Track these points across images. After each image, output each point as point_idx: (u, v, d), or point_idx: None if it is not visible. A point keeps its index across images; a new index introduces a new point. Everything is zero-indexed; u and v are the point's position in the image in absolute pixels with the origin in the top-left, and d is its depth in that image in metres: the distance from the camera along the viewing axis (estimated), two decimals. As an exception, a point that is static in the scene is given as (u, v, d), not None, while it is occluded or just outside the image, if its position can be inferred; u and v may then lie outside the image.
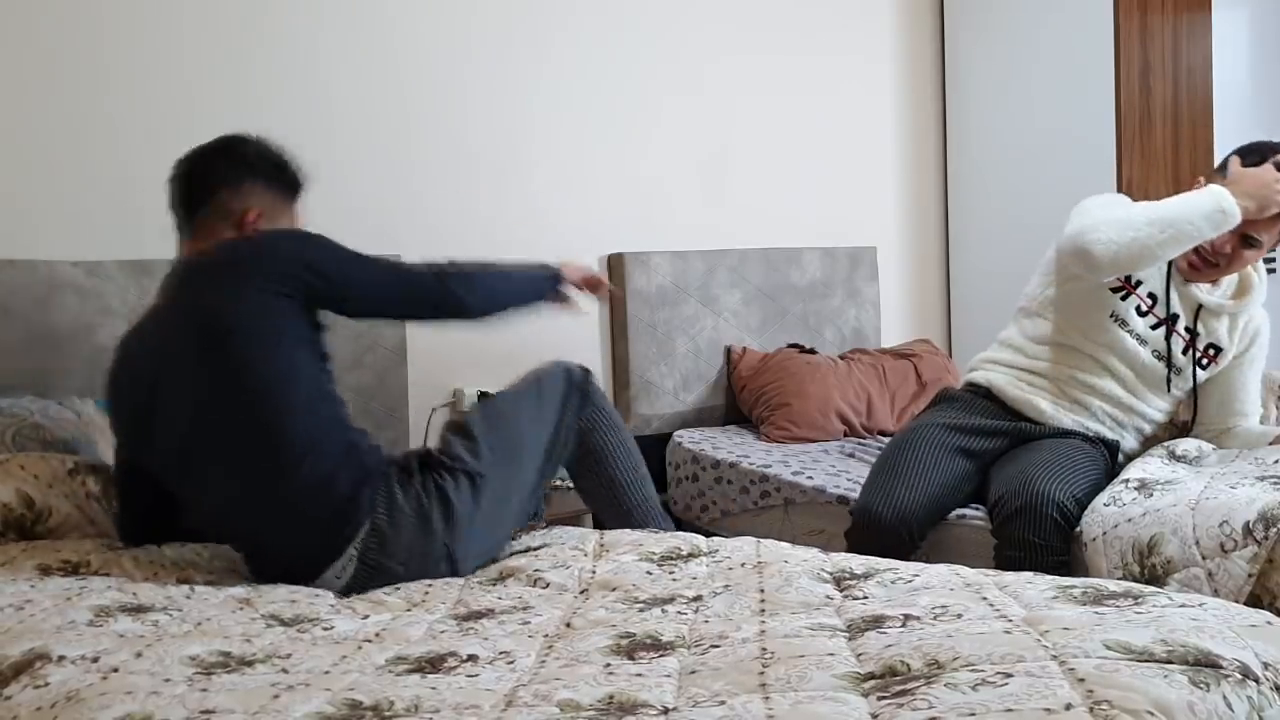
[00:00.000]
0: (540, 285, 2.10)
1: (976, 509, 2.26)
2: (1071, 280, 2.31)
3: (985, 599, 1.44)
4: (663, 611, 1.53)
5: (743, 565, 1.73)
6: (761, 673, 1.21)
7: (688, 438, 3.19)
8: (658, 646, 1.37)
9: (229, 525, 1.85)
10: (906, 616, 1.38)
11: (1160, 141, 3.67)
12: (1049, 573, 1.67)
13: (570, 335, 3.14)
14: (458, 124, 3.10)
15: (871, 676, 1.19)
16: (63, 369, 2.46)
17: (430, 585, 1.72)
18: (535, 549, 1.90)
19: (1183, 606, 1.34)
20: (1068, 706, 1.02)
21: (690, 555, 1.82)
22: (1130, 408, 2.32)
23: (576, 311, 2.24)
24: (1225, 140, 3.69)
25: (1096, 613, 1.33)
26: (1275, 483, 1.92)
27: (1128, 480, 2.08)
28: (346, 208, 2.73)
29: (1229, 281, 2.35)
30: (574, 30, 3.30)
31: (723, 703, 1.13)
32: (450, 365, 3.05)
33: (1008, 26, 3.89)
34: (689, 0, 3.51)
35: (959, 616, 1.36)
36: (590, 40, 3.32)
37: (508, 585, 1.72)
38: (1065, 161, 3.70)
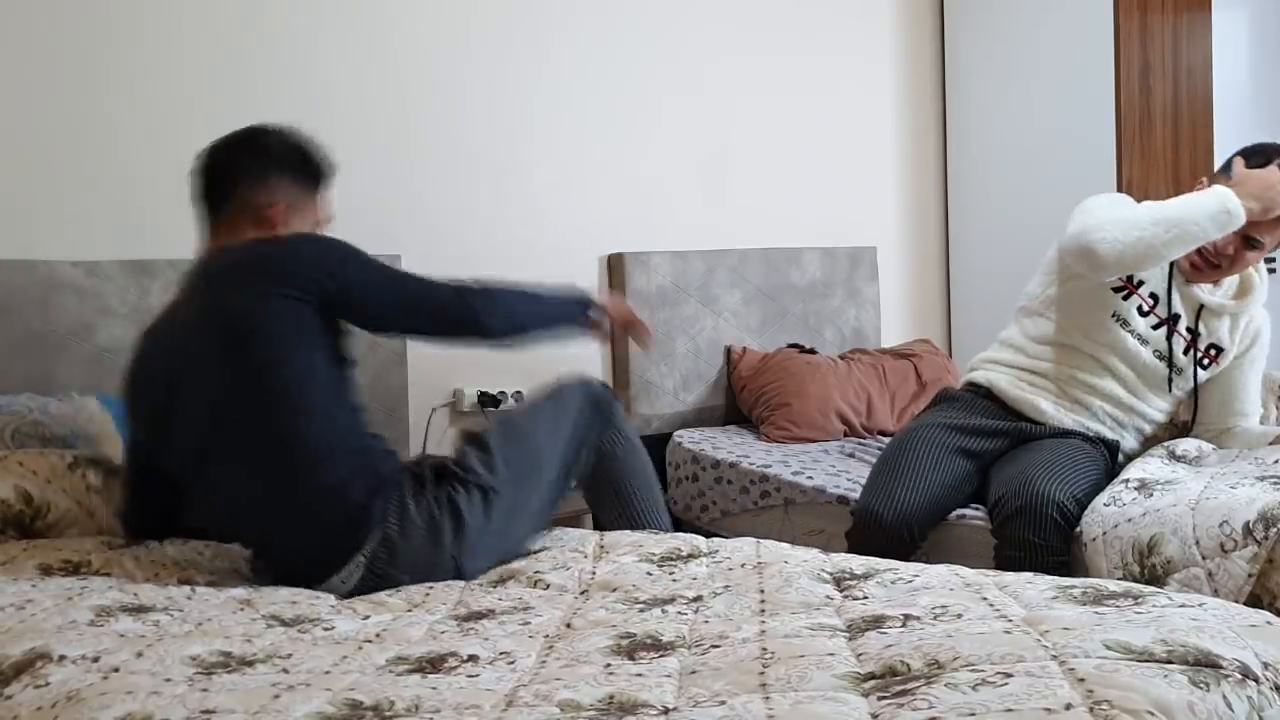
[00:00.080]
0: (571, 311, 2.05)
1: (976, 509, 2.26)
2: (1073, 280, 2.31)
3: (985, 599, 1.44)
4: (663, 612, 1.53)
5: (743, 566, 1.73)
6: (762, 673, 1.21)
7: (688, 438, 3.20)
8: (658, 647, 1.37)
9: (240, 524, 1.85)
10: (906, 616, 1.38)
11: (1160, 141, 3.67)
12: (1049, 573, 1.67)
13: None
14: (458, 124, 3.10)
15: (872, 676, 1.19)
16: (62, 369, 2.46)
17: (431, 587, 1.72)
18: (535, 551, 1.90)
19: (1183, 606, 1.34)
20: (1068, 706, 1.02)
21: (690, 556, 1.82)
22: (1131, 408, 2.32)
23: (605, 342, 2.17)
24: (1225, 140, 3.69)
25: (1096, 613, 1.33)
26: (1275, 483, 1.92)
27: (1128, 480, 2.08)
28: (346, 208, 2.71)
29: (1230, 282, 2.35)
30: (574, 30, 3.30)
31: (723, 703, 1.13)
32: (450, 365, 3.04)
33: (1008, 26, 3.89)
34: (689, 0, 3.51)
35: (959, 616, 1.36)
36: (590, 40, 3.33)
37: (508, 586, 1.72)
38: (1065, 161, 3.70)
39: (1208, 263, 2.25)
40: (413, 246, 2.89)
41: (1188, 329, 2.31)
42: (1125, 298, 2.29)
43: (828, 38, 3.84)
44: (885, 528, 2.16)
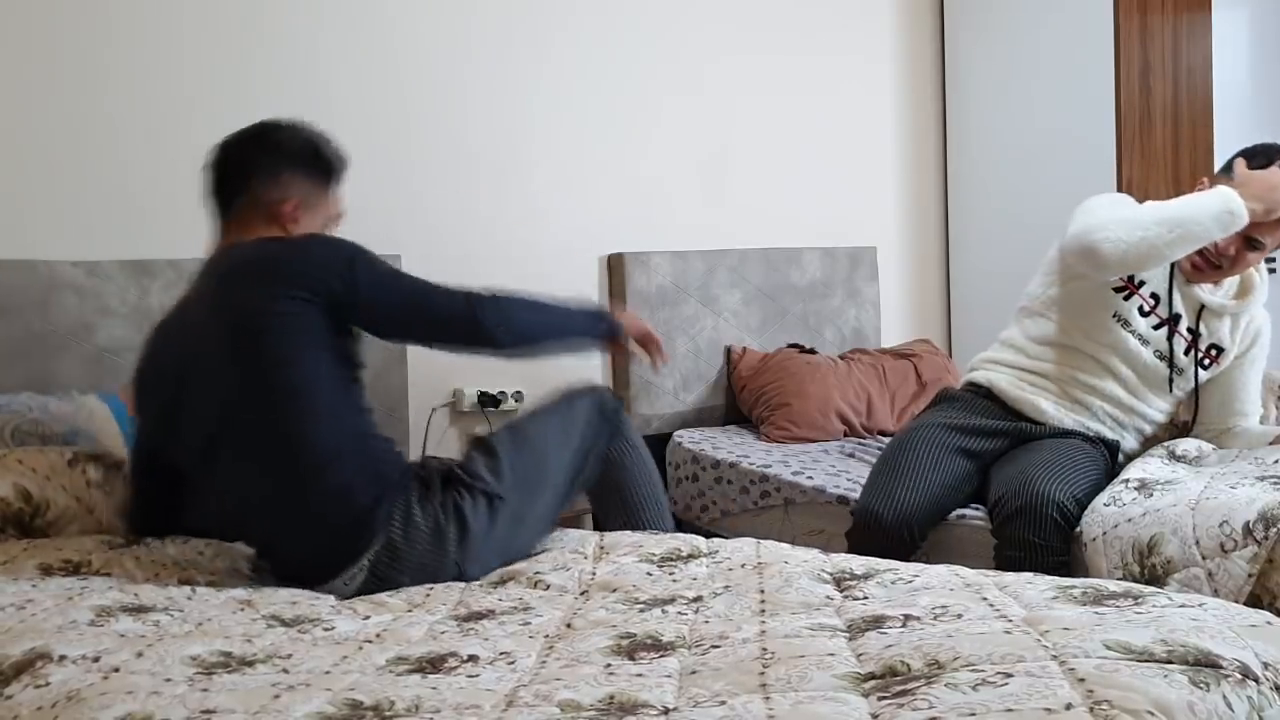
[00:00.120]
0: (588, 327, 2.03)
1: (976, 509, 2.26)
2: (1075, 280, 2.31)
3: (985, 599, 1.44)
4: (663, 612, 1.53)
5: (743, 566, 1.73)
6: (762, 673, 1.21)
7: (688, 438, 3.20)
8: (658, 647, 1.37)
9: (245, 523, 1.85)
10: (907, 617, 1.38)
11: (1160, 141, 3.67)
12: (1049, 573, 1.67)
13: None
14: (458, 124, 3.10)
15: (872, 676, 1.19)
16: (62, 369, 2.46)
17: (432, 587, 1.72)
18: (536, 552, 1.90)
19: (1183, 606, 1.34)
20: (1068, 706, 1.02)
21: (690, 556, 1.82)
22: (1131, 408, 2.32)
23: (631, 359, 2.13)
24: (1225, 140, 3.69)
25: (1096, 613, 1.33)
26: (1275, 483, 1.92)
27: (1128, 480, 2.08)
28: (347, 207, 2.73)
29: (1231, 282, 2.35)
30: (574, 30, 3.30)
31: (723, 703, 1.13)
32: (450, 365, 3.04)
33: (1008, 26, 3.89)
34: (689, 0, 3.51)
35: (959, 617, 1.36)
36: (590, 40, 3.32)
37: (508, 587, 1.72)
38: (1065, 161, 3.70)
39: (1209, 263, 2.25)
40: (413, 246, 2.89)
41: (1188, 329, 2.31)
42: (1126, 298, 2.29)
43: (828, 38, 3.84)
44: (885, 527, 2.16)
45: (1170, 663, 1.13)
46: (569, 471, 1.97)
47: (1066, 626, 1.26)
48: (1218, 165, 2.55)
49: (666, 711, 1.13)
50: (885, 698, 1.11)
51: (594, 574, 1.75)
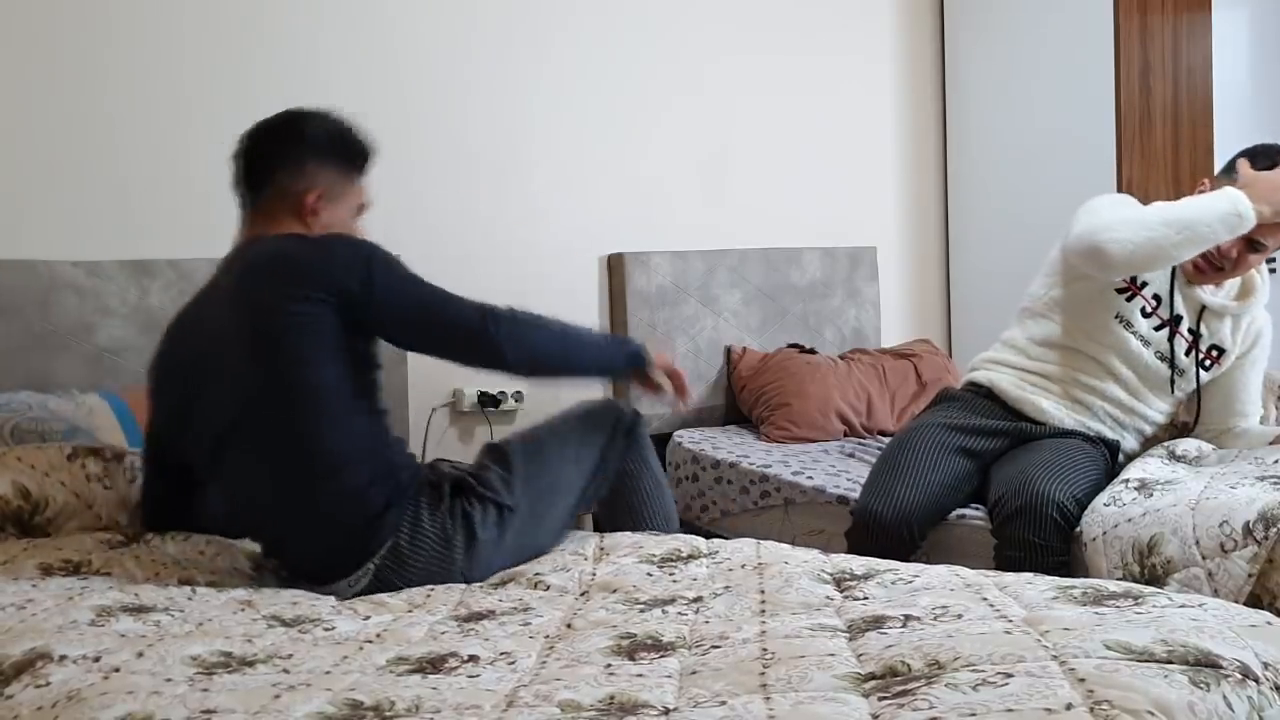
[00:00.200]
0: (610, 358, 2.00)
1: (976, 509, 2.26)
2: (1078, 281, 2.30)
3: (985, 599, 1.44)
4: (663, 612, 1.53)
5: (743, 566, 1.73)
6: (762, 673, 1.21)
7: (688, 438, 3.20)
8: (658, 647, 1.37)
9: (255, 521, 1.85)
10: (907, 617, 1.38)
11: (1160, 141, 3.67)
12: (1049, 573, 1.67)
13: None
14: (458, 124, 3.10)
15: (872, 677, 1.19)
16: (63, 369, 2.46)
17: (433, 588, 1.72)
18: (537, 554, 1.91)
19: (1183, 607, 1.34)
20: (1068, 706, 1.02)
21: (690, 557, 1.82)
22: (1132, 409, 2.32)
23: (659, 397, 2.10)
24: (1225, 140, 3.69)
25: (1096, 613, 1.33)
26: (1275, 483, 1.92)
27: (1128, 480, 2.08)
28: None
29: (1232, 283, 2.34)
30: (574, 30, 3.30)
31: (723, 703, 1.13)
32: (450, 365, 3.04)
33: (1008, 26, 3.89)
34: (689, 0, 3.51)
35: (959, 617, 1.36)
36: (590, 40, 3.32)
37: (508, 588, 1.72)
38: (1065, 161, 3.70)
39: (1211, 265, 2.24)
40: (413, 246, 2.87)
41: (1189, 330, 2.31)
42: (1129, 299, 2.29)
43: (828, 38, 3.84)
44: (884, 527, 2.16)
45: (1170, 663, 1.13)
46: (581, 486, 1.96)
47: (1067, 627, 1.26)
48: (1218, 165, 2.54)
49: (667, 712, 1.14)
50: (885, 698, 1.11)
51: (594, 574, 1.75)
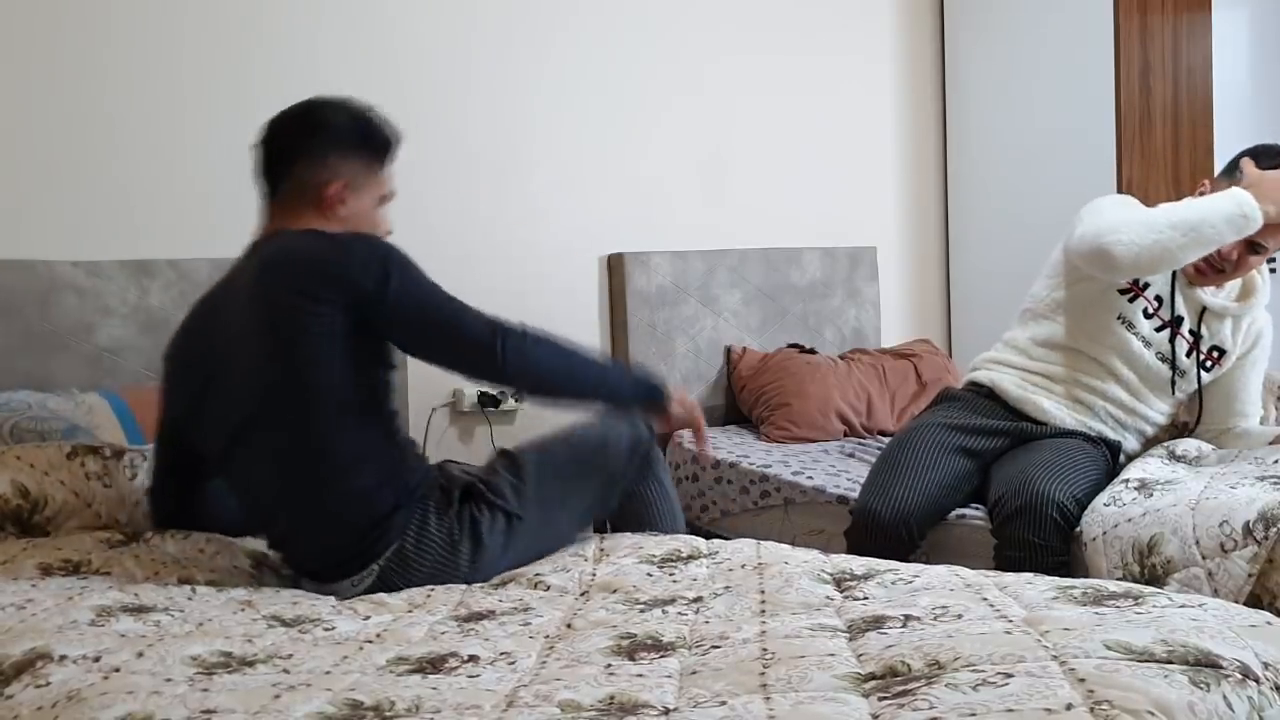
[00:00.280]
0: (616, 387, 1.93)
1: (976, 509, 2.26)
2: (1081, 282, 2.30)
3: (985, 599, 1.44)
4: (663, 612, 1.53)
5: (743, 566, 1.73)
6: (762, 673, 1.21)
7: (688, 438, 3.19)
8: (658, 647, 1.37)
9: (262, 516, 1.85)
10: (907, 617, 1.38)
11: (1160, 141, 3.67)
12: (1049, 573, 1.67)
13: (571, 336, 3.13)
14: (458, 124, 3.10)
15: (872, 677, 1.19)
16: (62, 369, 2.46)
17: (433, 588, 1.72)
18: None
19: (1183, 607, 1.34)
20: (1068, 706, 1.02)
21: (690, 557, 1.82)
22: (1133, 410, 2.32)
23: (676, 434, 2.07)
24: (1225, 140, 3.69)
25: (1097, 613, 1.33)
26: (1275, 483, 1.92)
27: (1128, 480, 2.08)
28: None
29: (1233, 284, 2.34)
30: (574, 30, 3.30)
31: (724, 703, 1.13)
32: (450, 365, 3.04)
33: (1008, 26, 3.88)
34: (689, 0, 3.51)
35: (959, 617, 1.36)
36: (590, 40, 3.32)
37: (508, 588, 1.72)
38: (1065, 161, 3.69)
39: (1211, 267, 2.23)
40: (413, 246, 2.84)
41: (1190, 331, 2.30)
42: (1131, 300, 2.28)
43: (828, 38, 3.84)
44: (884, 526, 2.16)
45: (1170, 663, 1.13)
46: (592, 499, 1.96)
47: (1067, 627, 1.26)
48: (1218, 166, 2.54)
49: (667, 712, 1.13)
50: (886, 698, 1.11)
51: (594, 575, 1.75)
